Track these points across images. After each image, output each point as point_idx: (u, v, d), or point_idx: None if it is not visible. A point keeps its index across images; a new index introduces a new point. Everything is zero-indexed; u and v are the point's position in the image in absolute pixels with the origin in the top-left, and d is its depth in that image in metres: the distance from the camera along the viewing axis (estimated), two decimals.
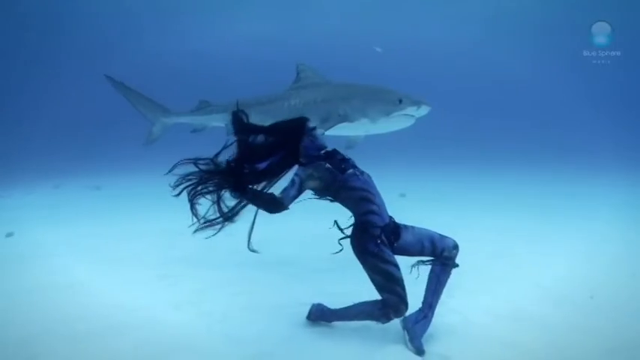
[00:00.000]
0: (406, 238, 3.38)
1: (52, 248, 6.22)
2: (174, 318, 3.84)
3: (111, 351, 3.28)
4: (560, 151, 23.49)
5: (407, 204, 9.35)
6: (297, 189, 3.21)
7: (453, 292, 4.01)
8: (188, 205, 3.25)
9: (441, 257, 3.40)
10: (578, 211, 9.04)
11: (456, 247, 3.43)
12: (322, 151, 3.43)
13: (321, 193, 3.40)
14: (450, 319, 3.74)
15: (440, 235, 3.47)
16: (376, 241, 3.22)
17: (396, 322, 3.40)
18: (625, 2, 21.92)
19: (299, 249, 6.02)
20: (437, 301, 3.45)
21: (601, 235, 6.93)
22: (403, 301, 3.21)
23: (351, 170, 3.35)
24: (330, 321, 3.61)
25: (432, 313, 3.41)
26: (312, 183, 3.30)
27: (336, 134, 7.25)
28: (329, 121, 6.81)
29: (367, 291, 3.42)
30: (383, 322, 3.34)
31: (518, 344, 3.34)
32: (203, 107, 8.76)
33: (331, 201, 3.42)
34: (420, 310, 3.42)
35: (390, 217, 3.41)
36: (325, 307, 3.68)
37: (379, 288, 3.24)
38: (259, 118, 7.12)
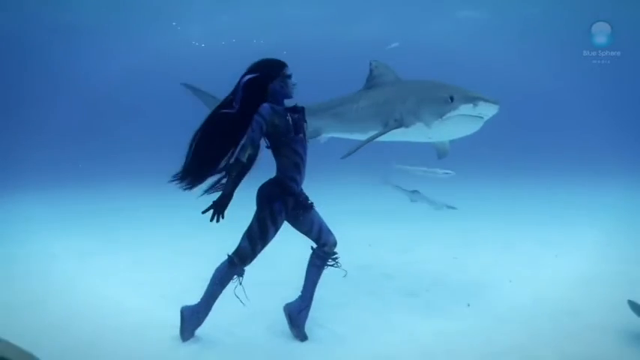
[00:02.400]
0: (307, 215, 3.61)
1: None
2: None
3: None
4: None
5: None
6: (259, 132, 3.22)
7: (318, 306, 3.88)
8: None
9: (321, 249, 3.66)
10: (461, 214, 8.38)
11: (335, 244, 3.70)
12: (288, 102, 3.46)
13: (266, 138, 3.38)
14: (317, 333, 3.72)
15: (328, 228, 3.71)
16: (283, 205, 3.41)
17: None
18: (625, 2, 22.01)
19: (168, 271, 5.59)
20: (314, 292, 3.71)
21: (480, 238, 7.20)
22: (251, 257, 3.43)
23: (302, 135, 3.43)
24: (203, 316, 3.57)
25: (311, 303, 3.70)
26: (270, 129, 3.29)
27: (398, 140, 6.14)
28: (387, 126, 5.78)
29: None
30: (233, 276, 3.45)
31: (386, 356, 3.33)
32: None
33: (267, 147, 3.44)
34: (302, 299, 3.69)
35: (303, 193, 3.58)
36: (192, 305, 3.62)
37: (247, 235, 3.42)
38: (331, 121, 6.74)
